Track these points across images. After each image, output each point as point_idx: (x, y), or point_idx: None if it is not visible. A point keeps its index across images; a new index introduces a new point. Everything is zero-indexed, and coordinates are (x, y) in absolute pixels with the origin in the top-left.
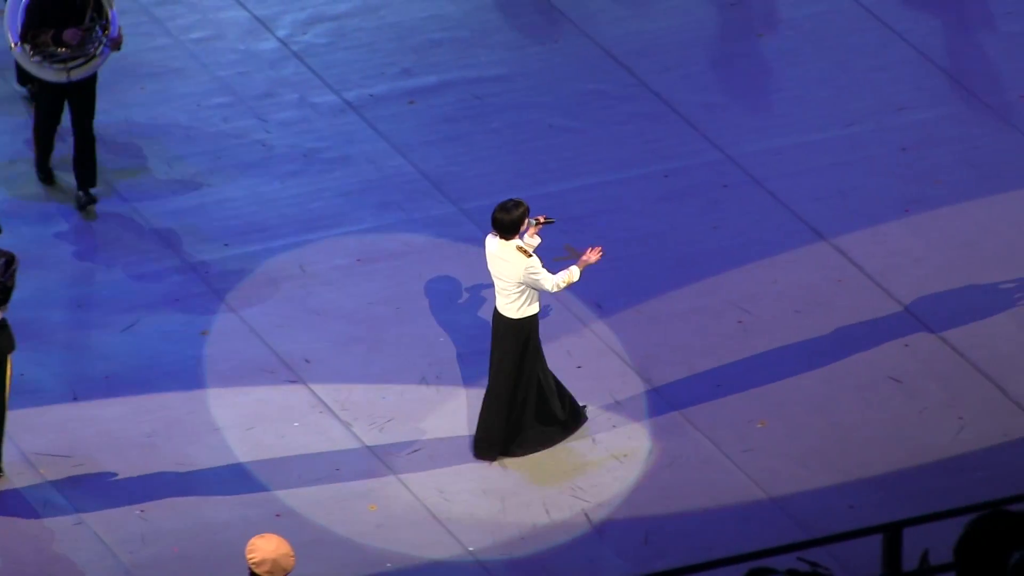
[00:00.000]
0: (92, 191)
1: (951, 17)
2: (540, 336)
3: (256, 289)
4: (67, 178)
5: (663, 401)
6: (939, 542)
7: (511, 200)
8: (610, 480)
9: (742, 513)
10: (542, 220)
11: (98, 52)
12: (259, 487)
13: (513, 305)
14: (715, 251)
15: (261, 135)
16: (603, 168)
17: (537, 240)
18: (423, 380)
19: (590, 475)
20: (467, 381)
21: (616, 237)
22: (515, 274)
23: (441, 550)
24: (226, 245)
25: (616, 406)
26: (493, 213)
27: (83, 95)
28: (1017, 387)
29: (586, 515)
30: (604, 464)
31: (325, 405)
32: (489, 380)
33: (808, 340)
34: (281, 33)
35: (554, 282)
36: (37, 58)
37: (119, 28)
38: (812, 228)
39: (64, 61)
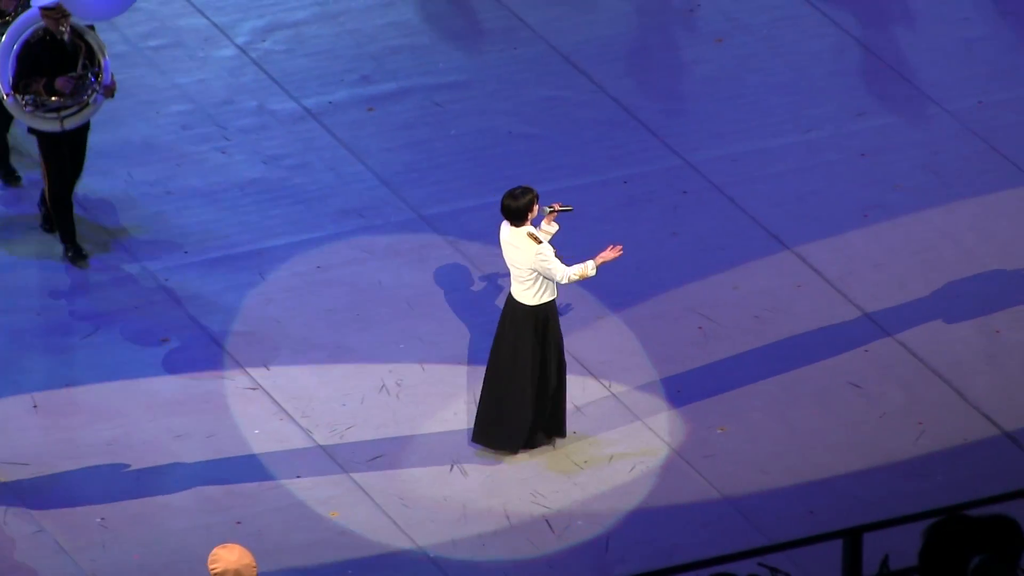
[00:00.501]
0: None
1: (910, 23)
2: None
3: (216, 296)
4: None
5: (623, 407)
6: (899, 547)
7: (519, 187)
8: (571, 486)
9: (703, 519)
10: (558, 207)
11: (91, 100)
12: (219, 495)
13: (529, 292)
14: (675, 257)
15: (220, 142)
16: (562, 174)
17: (555, 227)
18: (383, 387)
19: (551, 481)
20: (428, 387)
21: (574, 243)
22: (526, 261)
23: (402, 557)
24: (186, 252)
25: (576, 413)
26: (501, 200)
27: (76, 144)
28: (976, 392)
29: (547, 521)
30: (565, 470)
31: (285, 412)
32: (490, 368)
33: (768, 346)
34: (240, 40)
35: (566, 273)
36: (29, 108)
37: (112, 75)
38: (771, 234)
39: (57, 110)
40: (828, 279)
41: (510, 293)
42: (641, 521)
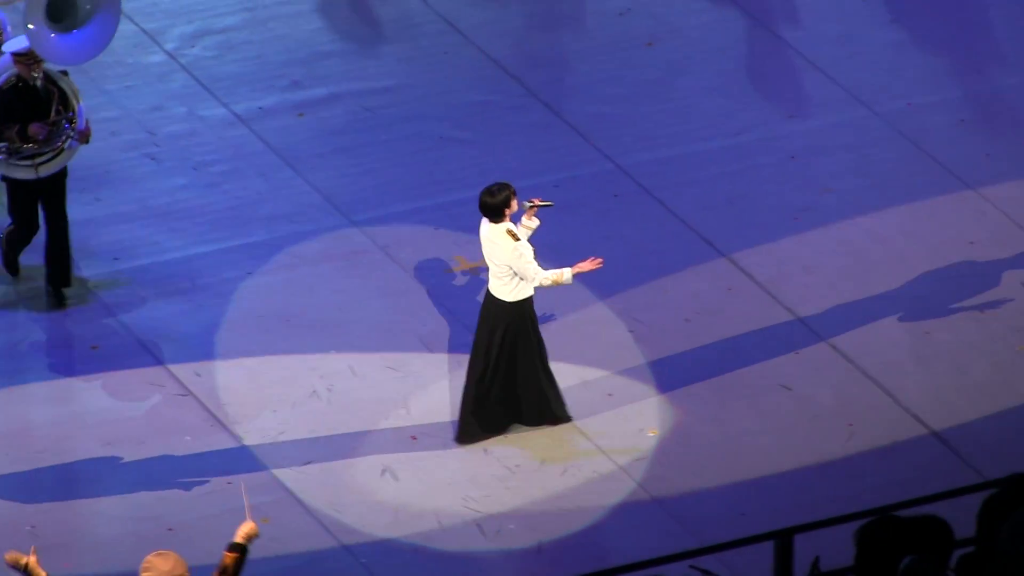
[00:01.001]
0: (64, 291)
1: (838, 26)
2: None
3: (146, 303)
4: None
5: None
6: (830, 548)
7: (496, 184)
8: (502, 491)
9: (634, 521)
10: (537, 203)
11: (66, 146)
12: (151, 502)
13: (507, 287)
14: (606, 261)
15: (150, 149)
16: (493, 179)
17: (536, 223)
18: (314, 392)
19: (482, 486)
20: (359, 393)
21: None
22: (503, 257)
23: (333, 563)
24: (116, 259)
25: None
26: (480, 196)
27: (54, 191)
28: (906, 394)
29: (479, 525)
30: (496, 475)
31: (216, 418)
32: (471, 362)
33: (699, 348)
34: (169, 46)
35: (539, 275)
36: (3, 155)
37: (87, 121)
38: (702, 237)
39: (31, 157)
40: (759, 282)
41: (488, 288)
42: (573, 524)
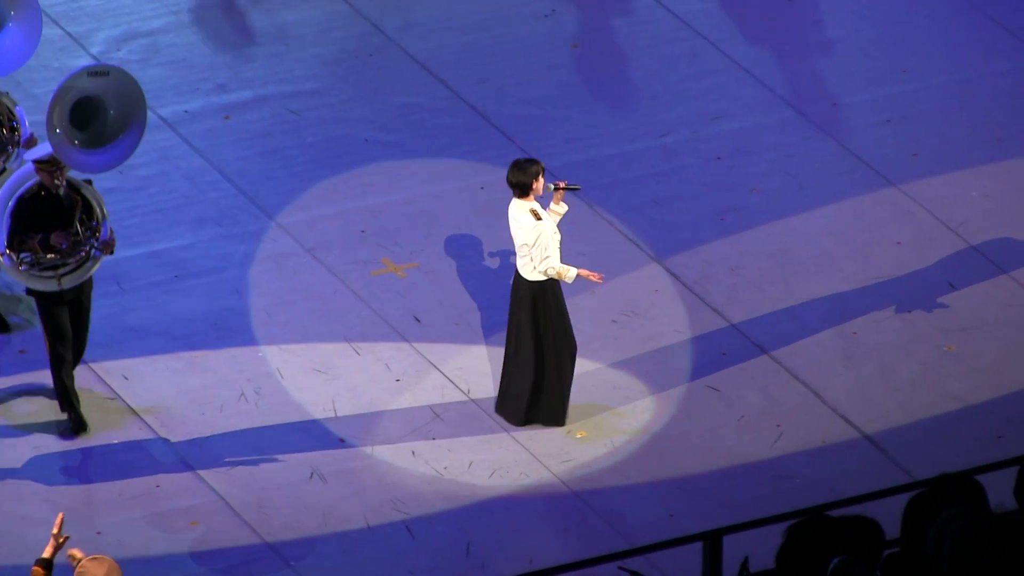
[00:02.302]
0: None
1: (764, 26)
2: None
3: None
4: None
5: (483, 413)
6: (759, 549)
7: (527, 159)
8: (430, 493)
9: (563, 523)
10: (563, 186)
11: (90, 256)
12: (78, 505)
13: (528, 266)
14: None
15: None
16: (419, 181)
17: (564, 207)
18: (242, 395)
19: (410, 488)
20: (287, 395)
21: (432, 250)
22: (523, 235)
23: (263, 566)
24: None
25: (435, 418)
26: (508, 170)
27: (78, 303)
28: (834, 393)
29: (407, 527)
30: (424, 476)
31: (144, 422)
32: (508, 344)
33: (625, 350)
34: (95, 50)
35: (545, 262)
36: (25, 266)
37: (110, 230)
38: (628, 238)
39: (54, 268)
40: (685, 283)
41: (516, 268)
42: (501, 526)
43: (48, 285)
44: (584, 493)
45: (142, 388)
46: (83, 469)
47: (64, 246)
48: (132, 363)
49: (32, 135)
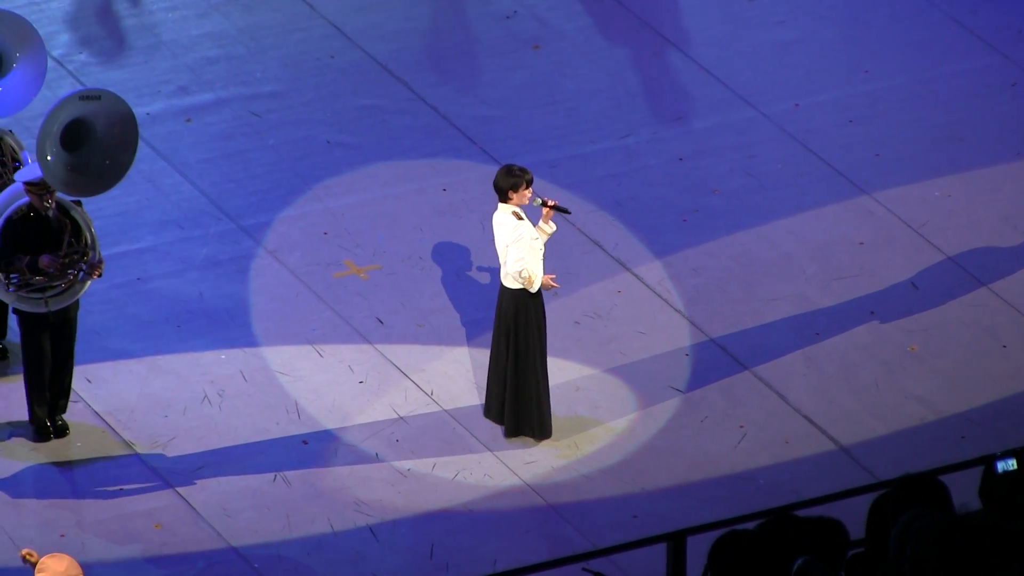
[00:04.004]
0: (62, 417)
1: (724, 26)
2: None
3: None
4: None
5: (445, 415)
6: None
7: (517, 166)
8: (394, 494)
9: (526, 525)
10: (551, 204)
11: (77, 279)
12: (42, 508)
13: (510, 275)
14: (493, 264)
15: None
16: (381, 183)
17: (552, 227)
18: (205, 398)
19: (374, 490)
20: (249, 398)
21: (395, 252)
22: (504, 237)
23: (226, 568)
24: None
25: (399, 421)
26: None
27: (63, 326)
28: (797, 394)
29: (371, 529)
30: (388, 479)
31: (107, 424)
32: (492, 353)
33: (587, 352)
34: (57, 52)
35: (521, 263)
36: (13, 288)
37: (99, 254)
38: (590, 239)
39: (42, 290)
40: (648, 284)
41: (500, 279)
42: (465, 528)
43: (35, 307)
44: (547, 494)
45: (105, 391)
46: (46, 472)
47: (52, 269)
48: (94, 366)
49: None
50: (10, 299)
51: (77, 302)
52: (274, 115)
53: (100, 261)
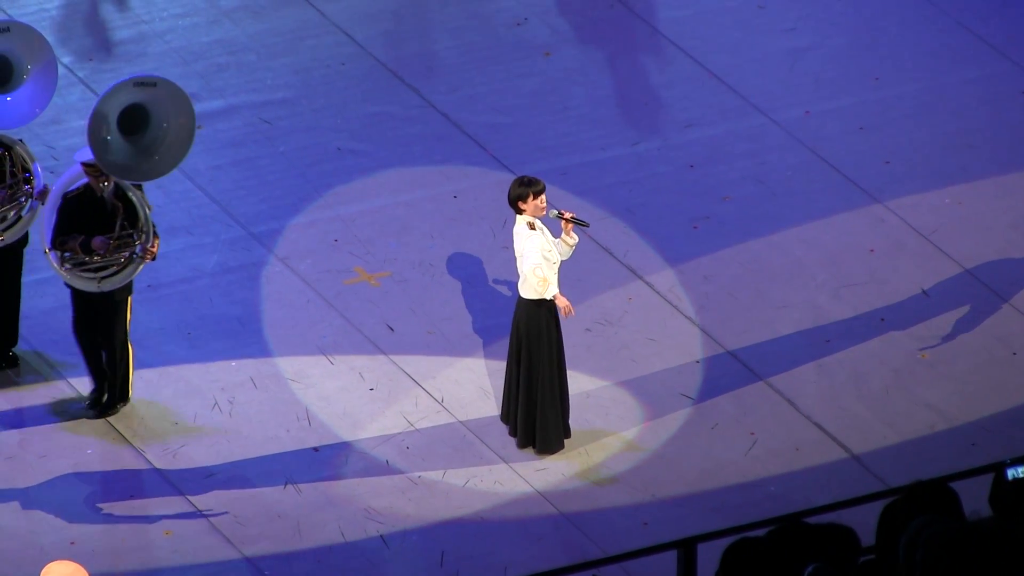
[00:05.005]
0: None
1: (735, 33)
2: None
3: (45, 316)
4: None
5: (456, 422)
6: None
7: (528, 176)
8: (404, 501)
9: (537, 532)
10: (568, 217)
11: (131, 261)
12: (53, 515)
13: (525, 284)
14: (505, 271)
15: (49, 162)
16: (391, 190)
17: (574, 239)
18: (215, 405)
19: (385, 497)
20: (260, 405)
21: (405, 259)
22: (519, 244)
23: (236, 575)
24: None
25: (409, 428)
26: None
27: (110, 308)
28: (807, 401)
29: (381, 537)
30: (398, 486)
31: (117, 431)
32: (508, 364)
33: (599, 358)
34: (66, 60)
35: (537, 269)
36: (68, 265)
37: (154, 236)
38: (601, 246)
39: (95, 270)
40: (658, 291)
41: (517, 289)
42: (475, 535)
43: (88, 285)
44: (558, 501)
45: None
46: (57, 479)
47: (103, 251)
48: None
49: (46, 187)
50: (65, 276)
51: (128, 287)
52: (285, 122)
53: (154, 245)
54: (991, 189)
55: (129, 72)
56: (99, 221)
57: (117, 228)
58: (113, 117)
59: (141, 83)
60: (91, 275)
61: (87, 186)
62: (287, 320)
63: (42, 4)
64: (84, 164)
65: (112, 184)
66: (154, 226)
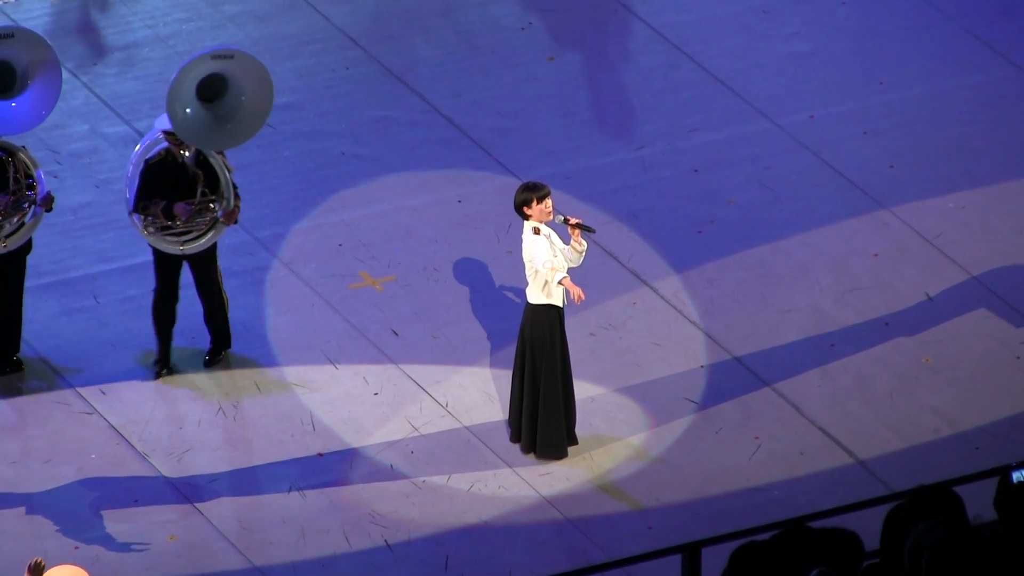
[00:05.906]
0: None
1: (739, 38)
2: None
3: (50, 320)
4: None
5: (460, 426)
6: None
7: (533, 182)
8: (409, 507)
9: (541, 536)
10: (573, 222)
11: (214, 226)
12: (57, 520)
13: (532, 290)
14: (510, 275)
15: (53, 167)
16: (396, 194)
17: (583, 245)
18: (220, 410)
19: (389, 501)
20: (264, 409)
21: (410, 263)
22: (525, 250)
23: None
24: None
25: (414, 433)
26: None
27: (200, 263)
28: (811, 405)
29: (386, 541)
30: (403, 491)
31: (122, 436)
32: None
33: (602, 363)
34: (70, 64)
35: (546, 265)
36: (152, 228)
37: (235, 201)
38: (606, 251)
39: (178, 235)
40: (663, 295)
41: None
42: (479, 539)
43: (171, 248)
44: (563, 507)
45: (120, 403)
46: (61, 484)
47: (185, 217)
48: (110, 378)
49: (49, 193)
50: (149, 239)
51: (214, 249)
52: (289, 126)
53: (236, 208)
54: (995, 194)
55: (133, 75)
56: (181, 187)
57: (198, 194)
58: (191, 88)
59: (219, 56)
60: (174, 238)
61: (167, 150)
62: (291, 325)
63: (46, 9)
64: (166, 131)
65: (193, 150)
66: (235, 188)
